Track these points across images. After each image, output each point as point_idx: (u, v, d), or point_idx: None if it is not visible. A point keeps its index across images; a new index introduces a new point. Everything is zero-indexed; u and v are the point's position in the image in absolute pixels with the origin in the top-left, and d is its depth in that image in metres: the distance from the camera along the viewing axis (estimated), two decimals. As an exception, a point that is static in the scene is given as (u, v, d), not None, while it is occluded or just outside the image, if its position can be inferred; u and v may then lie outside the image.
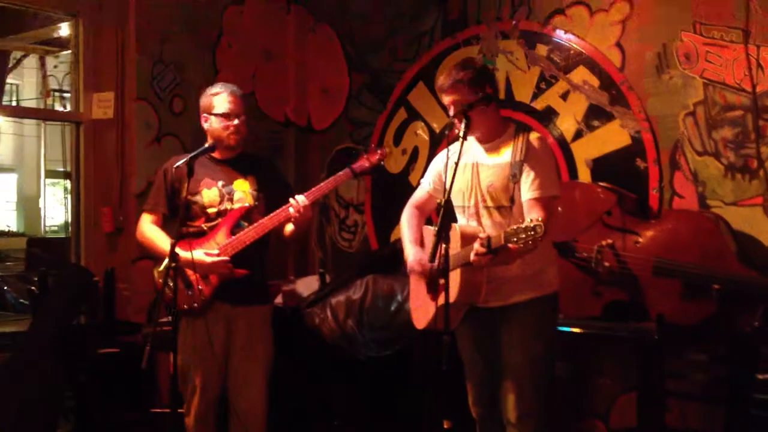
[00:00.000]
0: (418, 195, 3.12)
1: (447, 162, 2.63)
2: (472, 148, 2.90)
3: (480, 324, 2.88)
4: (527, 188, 2.73)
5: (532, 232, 2.40)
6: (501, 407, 2.85)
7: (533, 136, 2.83)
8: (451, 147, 2.70)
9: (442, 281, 2.47)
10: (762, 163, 3.33)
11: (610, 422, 3.71)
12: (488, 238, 2.53)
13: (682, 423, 3.43)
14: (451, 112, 2.80)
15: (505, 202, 2.78)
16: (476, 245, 2.55)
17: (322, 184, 3.18)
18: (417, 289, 2.98)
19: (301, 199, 3.03)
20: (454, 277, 2.68)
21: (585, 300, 3.47)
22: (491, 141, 2.87)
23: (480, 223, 2.85)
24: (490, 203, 2.82)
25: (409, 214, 3.09)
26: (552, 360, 2.93)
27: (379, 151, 3.26)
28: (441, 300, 2.48)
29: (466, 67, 2.81)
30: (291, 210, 3.01)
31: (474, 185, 2.86)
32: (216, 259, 3.01)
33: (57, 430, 3.86)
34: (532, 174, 2.73)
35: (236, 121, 3.13)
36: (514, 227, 2.44)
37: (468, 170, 2.88)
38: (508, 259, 2.61)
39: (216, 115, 3.12)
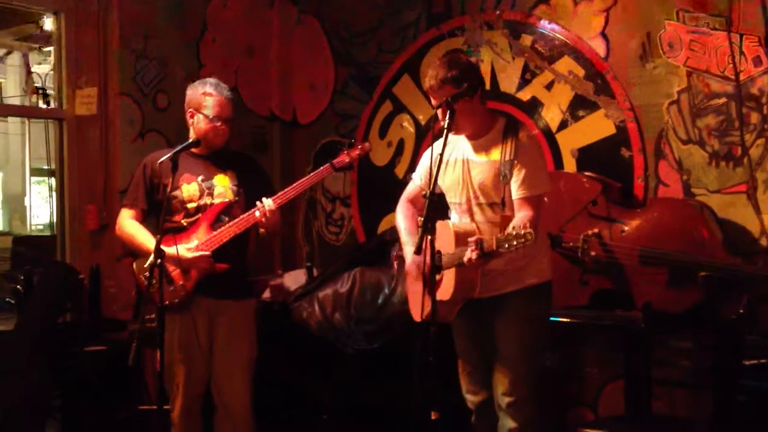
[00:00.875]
0: (410, 189, 3.14)
1: (432, 155, 2.63)
2: (461, 144, 2.90)
3: (475, 314, 2.89)
4: (517, 187, 2.75)
5: (522, 239, 2.42)
6: (494, 394, 2.88)
7: (523, 134, 2.83)
8: (438, 141, 2.70)
9: (438, 276, 2.48)
10: (746, 150, 3.35)
11: (598, 411, 3.73)
12: (480, 243, 2.54)
13: (669, 410, 3.45)
14: (438, 109, 2.79)
15: (497, 200, 2.79)
16: (468, 251, 2.56)
17: (303, 179, 3.19)
18: (414, 282, 2.99)
19: (267, 203, 3.02)
20: (449, 275, 2.72)
21: (572, 289, 3.47)
22: (480, 137, 2.87)
23: (473, 219, 2.86)
24: (482, 200, 2.84)
25: (403, 207, 3.11)
26: (545, 347, 2.96)
27: (359, 146, 3.26)
28: (436, 295, 2.51)
29: (452, 64, 2.79)
30: (257, 214, 3.02)
31: (465, 181, 2.87)
32: (197, 254, 3.00)
33: (45, 429, 3.83)
34: (522, 173, 2.74)
35: (225, 125, 3.13)
36: (505, 234, 2.46)
37: (458, 166, 2.88)
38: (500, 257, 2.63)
39: (205, 115, 3.10)
